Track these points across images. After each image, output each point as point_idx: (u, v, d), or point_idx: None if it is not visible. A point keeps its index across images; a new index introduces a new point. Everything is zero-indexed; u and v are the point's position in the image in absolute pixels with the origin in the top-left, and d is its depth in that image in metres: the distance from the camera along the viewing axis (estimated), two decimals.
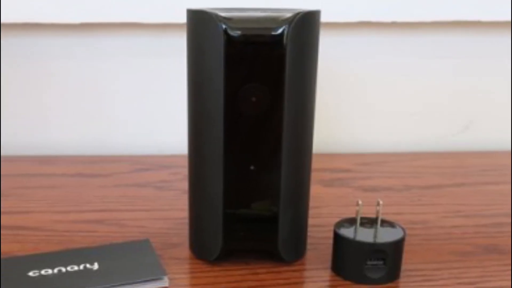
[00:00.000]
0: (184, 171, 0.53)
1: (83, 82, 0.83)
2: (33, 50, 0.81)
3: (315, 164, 0.52)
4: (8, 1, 0.76)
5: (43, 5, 0.77)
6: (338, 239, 0.49)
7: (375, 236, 0.48)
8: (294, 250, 0.52)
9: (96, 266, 0.49)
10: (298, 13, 0.44)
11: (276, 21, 0.44)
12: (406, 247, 0.50)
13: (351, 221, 0.51)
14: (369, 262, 0.47)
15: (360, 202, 0.49)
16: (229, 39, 0.44)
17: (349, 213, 0.52)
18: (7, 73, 0.82)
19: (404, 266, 0.49)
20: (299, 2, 0.78)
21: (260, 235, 0.49)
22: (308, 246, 0.53)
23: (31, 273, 0.48)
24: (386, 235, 0.48)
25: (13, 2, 0.76)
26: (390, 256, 0.47)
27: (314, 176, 0.54)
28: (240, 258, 0.51)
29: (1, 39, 0.80)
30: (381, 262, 0.47)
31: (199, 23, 0.46)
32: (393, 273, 0.48)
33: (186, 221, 0.53)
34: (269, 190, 0.48)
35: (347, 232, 0.49)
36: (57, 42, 0.81)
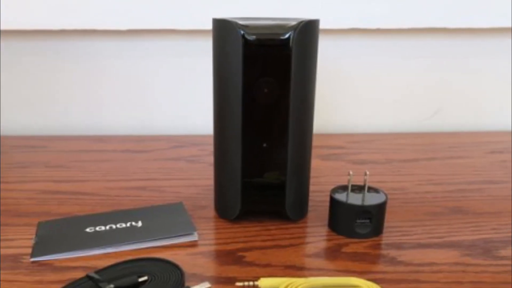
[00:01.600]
0: (210, 148, 0.53)
1: (130, 77, 0.83)
2: (89, 50, 0.81)
3: (315, 142, 0.51)
4: (69, 11, 0.76)
5: (98, 15, 0.77)
6: (333, 202, 0.49)
7: (363, 200, 0.48)
8: (298, 211, 0.51)
9: (140, 223, 0.49)
10: (301, 21, 0.44)
11: (283, 28, 0.44)
12: (388, 209, 0.50)
13: (344, 188, 0.50)
14: (358, 221, 0.47)
15: (351, 173, 0.49)
16: (246, 42, 0.44)
17: (342, 181, 0.52)
18: (70, 69, 0.82)
19: (386, 223, 0.49)
20: (302, 12, 0.77)
21: (271, 199, 0.49)
22: (310, 208, 0.53)
23: (88, 229, 0.48)
24: (372, 199, 0.48)
25: (74, 13, 0.76)
26: (375, 215, 0.47)
27: (314, 152, 0.53)
28: (255, 217, 0.51)
29: (64, 42, 0.80)
30: (367, 221, 0.47)
31: (222, 29, 0.45)
32: (378, 229, 0.48)
33: (212, 188, 0.53)
34: (278, 163, 0.48)
35: (340, 196, 0.48)
36: (109, 45, 0.81)
